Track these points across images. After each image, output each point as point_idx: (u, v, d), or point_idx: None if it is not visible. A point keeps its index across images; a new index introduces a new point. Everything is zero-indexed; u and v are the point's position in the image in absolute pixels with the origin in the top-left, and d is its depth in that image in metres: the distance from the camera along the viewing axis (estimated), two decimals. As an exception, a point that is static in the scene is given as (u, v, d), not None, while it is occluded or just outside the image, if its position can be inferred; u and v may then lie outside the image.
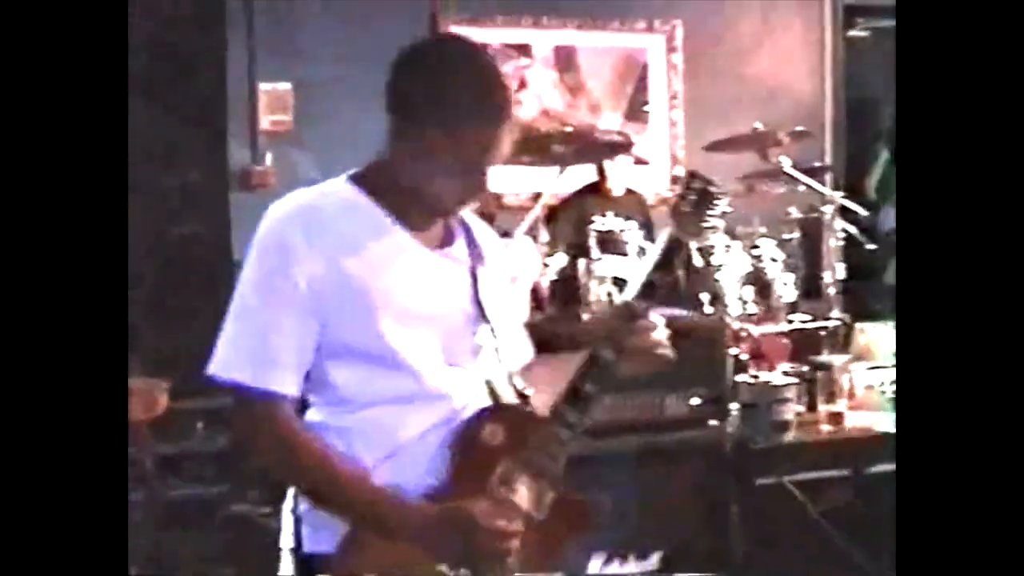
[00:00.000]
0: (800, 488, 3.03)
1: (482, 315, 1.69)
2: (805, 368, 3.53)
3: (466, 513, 1.53)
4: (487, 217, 4.17)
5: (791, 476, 3.03)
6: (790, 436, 3.16)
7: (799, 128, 4.35)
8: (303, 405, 1.65)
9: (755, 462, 3.04)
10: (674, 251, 1.62)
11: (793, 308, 4.01)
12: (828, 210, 4.14)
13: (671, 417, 2.97)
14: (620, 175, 4.39)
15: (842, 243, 4.17)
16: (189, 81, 5.00)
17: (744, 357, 3.43)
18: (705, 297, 3.63)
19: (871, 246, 4.37)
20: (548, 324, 3.31)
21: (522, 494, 1.56)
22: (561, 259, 3.53)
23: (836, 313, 4.03)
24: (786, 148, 4.29)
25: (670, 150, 5.59)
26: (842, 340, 3.99)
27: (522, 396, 1.70)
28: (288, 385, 1.58)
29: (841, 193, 4.24)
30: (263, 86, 5.01)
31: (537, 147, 4.03)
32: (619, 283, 3.36)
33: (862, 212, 4.36)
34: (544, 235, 3.53)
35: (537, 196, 3.77)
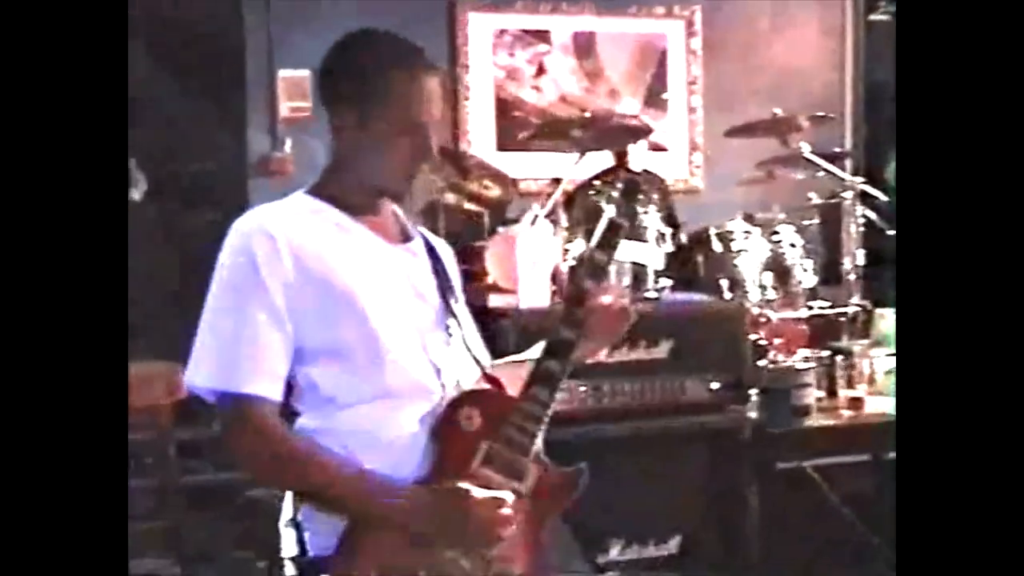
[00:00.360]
0: (820, 473, 3.02)
1: (448, 309, 1.77)
2: (825, 354, 3.52)
3: (462, 492, 1.58)
4: (504, 204, 4.20)
5: (811, 461, 3.03)
6: (810, 421, 3.15)
7: (819, 113, 4.33)
8: (291, 415, 1.66)
9: (775, 447, 3.04)
10: (614, 232, 1.74)
11: (812, 294, 3.99)
12: (848, 196, 4.12)
13: (691, 401, 2.96)
14: (639, 160, 4.37)
15: (862, 229, 4.15)
16: (208, 69, 5.01)
17: (764, 342, 3.42)
18: (724, 283, 3.62)
19: (891, 232, 4.35)
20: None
21: (505, 473, 1.63)
22: (580, 245, 3.53)
23: (856, 299, 4.02)
24: (806, 133, 4.26)
25: (689, 136, 5.57)
26: (861, 326, 3.97)
27: (492, 380, 1.77)
28: (268, 388, 1.60)
29: (861, 179, 4.21)
30: (282, 73, 5.01)
31: (556, 133, 4.02)
32: (639, 268, 3.35)
33: (882, 198, 4.33)
34: (564, 220, 3.52)
35: (556, 182, 3.76)
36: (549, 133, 4.16)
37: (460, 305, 1.81)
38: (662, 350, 2.96)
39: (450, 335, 1.76)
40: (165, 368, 3.22)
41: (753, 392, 3.10)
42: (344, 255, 1.67)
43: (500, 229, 3.65)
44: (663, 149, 5.37)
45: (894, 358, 3.66)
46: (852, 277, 4.08)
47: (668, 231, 3.65)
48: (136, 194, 4.78)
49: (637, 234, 3.46)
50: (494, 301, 3.15)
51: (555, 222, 3.52)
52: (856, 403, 3.34)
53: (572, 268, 3.27)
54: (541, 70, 5.33)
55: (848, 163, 4.67)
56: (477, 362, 1.78)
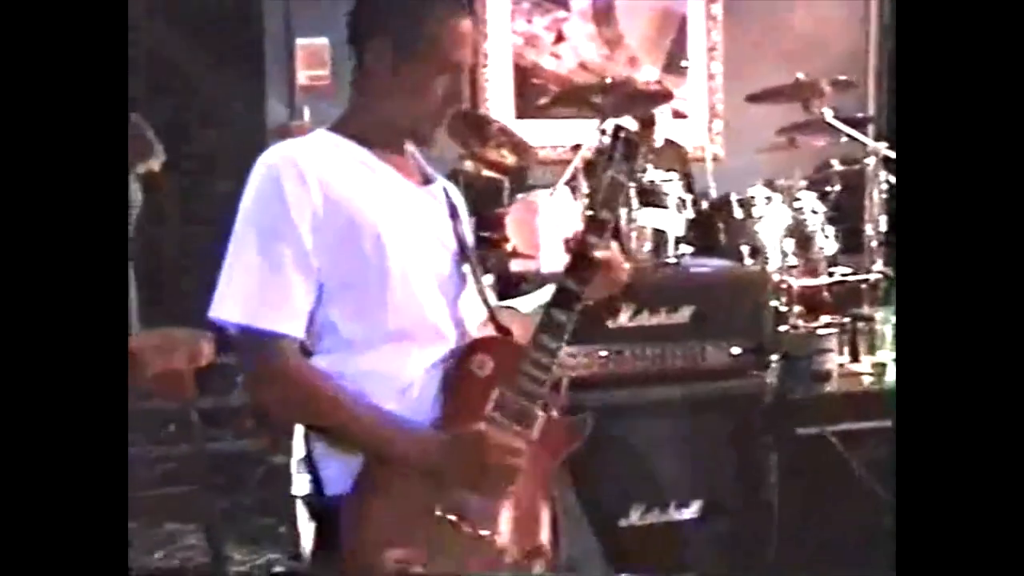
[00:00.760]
0: (841, 439, 3.01)
1: (463, 253, 1.79)
2: (847, 320, 3.50)
3: (478, 434, 1.62)
4: (523, 170, 4.18)
5: (832, 426, 3.02)
6: (831, 387, 3.14)
7: (842, 77, 4.27)
8: (307, 354, 1.68)
9: (796, 412, 3.03)
10: (615, 191, 1.77)
11: (834, 261, 3.96)
12: (871, 162, 4.07)
13: (712, 367, 2.95)
14: (659, 127, 4.35)
15: (885, 196, 4.11)
16: (226, 38, 5.01)
17: (784, 309, 3.40)
18: (745, 250, 3.60)
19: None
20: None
21: (515, 418, 1.67)
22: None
23: (878, 266, 3.99)
24: (828, 99, 4.22)
25: (709, 102, 5.53)
26: (883, 293, 3.94)
27: (502, 328, 1.79)
28: (293, 326, 1.61)
29: (884, 144, 4.16)
30: (300, 41, 5.01)
31: (576, 99, 4.00)
32: (659, 234, 3.34)
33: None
34: (584, 187, 3.51)
35: (576, 148, 3.74)
36: (569, 100, 4.14)
37: (473, 251, 1.83)
38: (683, 315, 2.94)
39: (464, 281, 1.79)
40: (187, 335, 3.24)
41: (774, 358, 3.09)
42: (369, 193, 1.67)
43: (519, 196, 3.64)
44: (683, 116, 5.34)
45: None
46: (874, 244, 4.05)
47: (688, 197, 3.63)
48: (155, 164, 4.80)
49: (658, 200, 3.45)
50: (515, 266, 3.16)
51: (575, 188, 3.51)
52: (878, 369, 3.33)
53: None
54: (560, 37, 5.30)
55: (871, 128, 4.61)
56: (488, 308, 1.80)
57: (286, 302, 1.60)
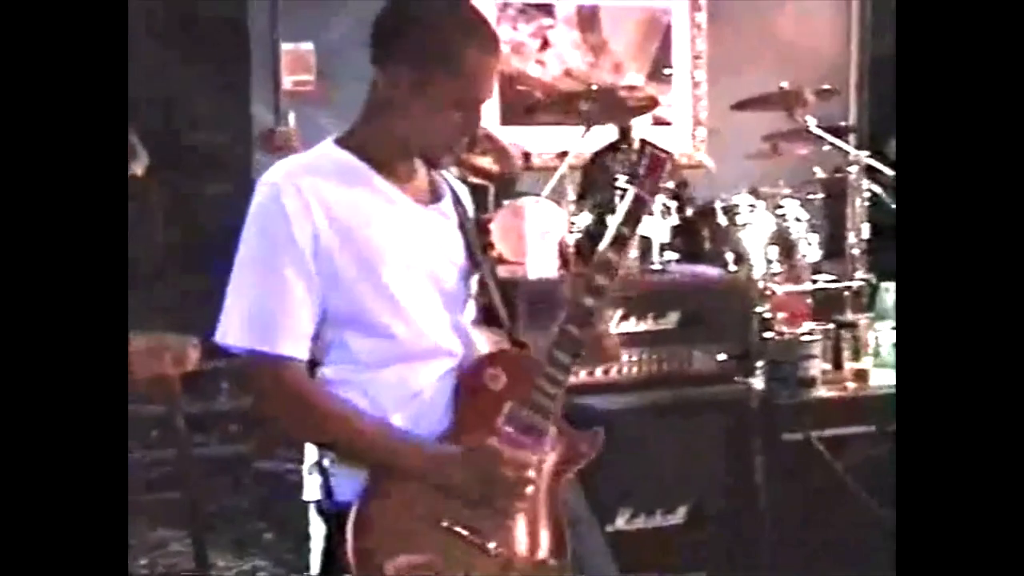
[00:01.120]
0: (826, 444, 3.04)
1: (475, 265, 1.78)
2: (831, 326, 3.53)
3: (489, 450, 1.62)
4: (512, 177, 4.20)
5: (817, 432, 3.04)
6: (816, 392, 3.17)
7: (826, 86, 4.32)
8: (313, 364, 1.68)
9: (781, 418, 3.05)
10: (639, 207, 1.74)
11: (816, 268, 4.00)
12: (853, 170, 4.11)
13: (698, 372, 2.98)
14: (642, 134, 4.37)
15: (867, 204, 4.14)
16: (211, 42, 5.00)
17: (769, 315, 3.43)
18: (729, 256, 3.63)
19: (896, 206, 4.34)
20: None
21: (526, 433, 1.66)
22: (586, 217, 3.54)
23: (861, 273, 4.02)
24: (811, 107, 4.26)
25: (693, 111, 5.56)
26: (866, 300, 3.98)
27: (518, 343, 1.79)
28: (297, 348, 1.62)
29: (867, 153, 4.20)
30: (285, 46, 5.01)
31: (562, 106, 4.02)
32: (645, 241, 3.36)
33: (888, 172, 4.33)
34: (570, 194, 3.53)
35: (563, 155, 3.77)
36: (555, 106, 4.16)
37: (486, 261, 1.82)
38: (670, 321, 2.97)
39: (472, 293, 1.79)
40: (174, 340, 3.23)
41: (759, 364, 3.12)
42: (372, 217, 1.66)
43: (505, 202, 3.66)
44: (667, 123, 5.37)
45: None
46: (856, 251, 4.09)
47: (673, 204, 3.66)
48: (138, 168, 4.78)
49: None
50: (501, 272, 3.17)
51: (561, 195, 3.54)
52: (861, 375, 3.36)
53: (576, 240, 3.30)
54: (545, 44, 5.32)
55: (853, 137, 4.66)
56: (502, 320, 1.80)
57: (290, 324, 1.60)
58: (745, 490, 2.97)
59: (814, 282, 3.90)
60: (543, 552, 1.68)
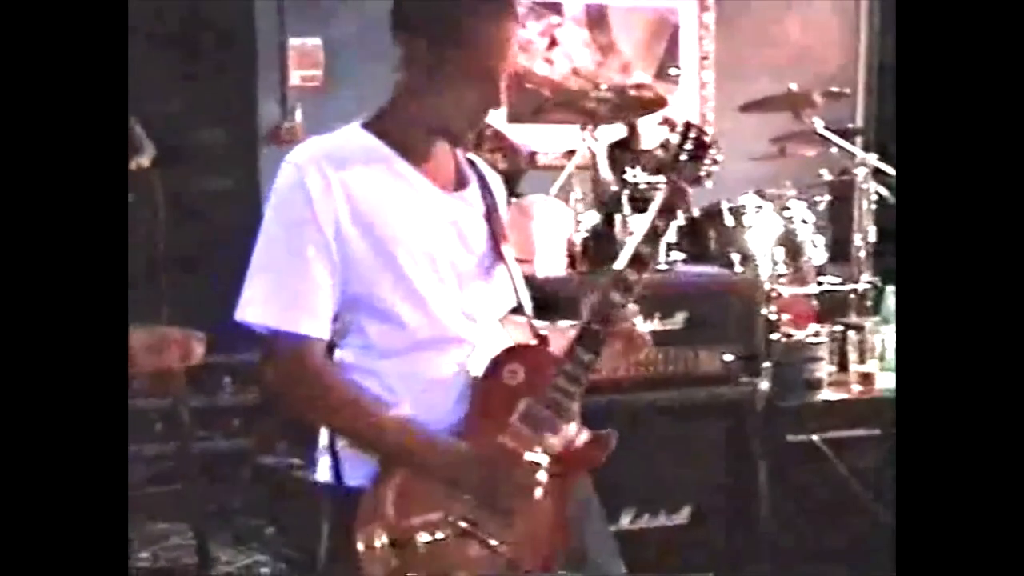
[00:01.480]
0: (830, 446, 3.04)
1: (499, 256, 1.75)
2: (837, 328, 3.53)
3: (500, 449, 1.60)
4: (518, 174, 4.19)
5: (822, 434, 3.04)
6: (821, 395, 3.17)
7: (834, 88, 4.31)
8: (330, 347, 1.67)
9: (786, 419, 3.05)
10: (676, 198, 1.71)
11: (822, 270, 3.99)
12: (860, 173, 4.11)
13: (704, 373, 2.97)
14: (651, 131, 4.37)
15: (873, 206, 4.14)
16: (219, 36, 5.00)
17: (775, 317, 3.43)
18: (735, 257, 3.63)
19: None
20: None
21: (540, 430, 1.62)
22: (593, 216, 3.53)
23: (867, 276, 4.02)
24: (819, 109, 4.25)
25: (700, 111, 5.56)
26: (872, 303, 3.98)
27: (540, 337, 1.76)
28: (317, 328, 1.61)
29: (874, 155, 4.20)
30: (293, 41, 5.01)
31: (570, 104, 4.01)
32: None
33: (894, 174, 4.32)
34: (577, 192, 3.52)
35: (570, 154, 3.76)
36: (563, 105, 4.15)
37: (508, 247, 1.77)
38: (677, 321, 2.97)
39: (493, 282, 1.76)
40: (179, 334, 3.23)
41: (765, 365, 3.12)
42: (391, 202, 1.64)
43: (513, 200, 3.65)
44: (674, 124, 5.36)
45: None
46: (862, 254, 4.08)
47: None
48: (145, 160, 4.78)
49: (649, 206, 3.47)
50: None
51: (568, 194, 3.53)
52: (867, 378, 3.36)
53: (583, 239, 3.29)
54: (553, 42, 5.31)
55: (860, 140, 4.65)
56: (525, 310, 1.78)
57: (311, 304, 1.59)
58: (749, 491, 2.97)
59: (820, 284, 3.90)
60: (551, 550, 1.66)
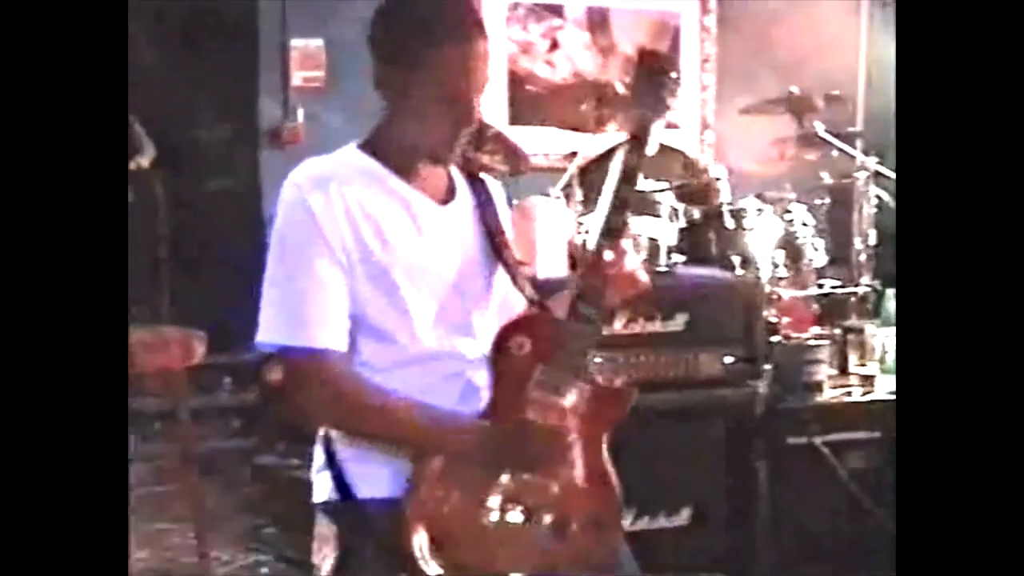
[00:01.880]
0: (830, 448, 3.04)
1: (497, 255, 1.78)
2: (837, 331, 3.54)
3: (527, 421, 1.62)
4: (518, 176, 4.19)
5: (822, 437, 3.04)
6: (821, 397, 3.17)
7: (835, 92, 4.32)
8: None
9: (786, 422, 3.05)
10: (643, 132, 1.75)
11: (822, 273, 4.00)
12: (860, 176, 4.12)
13: (705, 375, 2.97)
14: (653, 135, 4.36)
15: (874, 210, 4.15)
16: (220, 37, 5.00)
17: (775, 319, 3.43)
18: (736, 260, 3.63)
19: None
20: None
21: (558, 393, 1.65)
22: (595, 218, 3.53)
23: (867, 279, 4.03)
24: (820, 112, 4.26)
25: (701, 114, 5.56)
26: (872, 306, 3.98)
27: (539, 305, 1.79)
28: (335, 340, 1.64)
29: (875, 159, 4.20)
30: (295, 42, 5.01)
31: (571, 107, 4.01)
32: (652, 243, 3.36)
33: (894, 178, 4.33)
34: (579, 194, 3.53)
35: (571, 156, 3.76)
36: (564, 107, 4.15)
37: (507, 251, 1.80)
38: (677, 323, 2.97)
39: (492, 292, 1.79)
40: (179, 334, 3.23)
41: (766, 367, 3.12)
42: (389, 223, 1.68)
43: (514, 201, 3.65)
44: (675, 127, 5.37)
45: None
46: (863, 257, 4.09)
47: (681, 207, 3.66)
48: (145, 161, 4.78)
49: (651, 209, 3.48)
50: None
51: (570, 196, 3.54)
52: (867, 381, 3.36)
53: (585, 240, 3.29)
54: (555, 45, 5.32)
55: (860, 143, 4.66)
56: (527, 299, 1.80)
57: (324, 317, 1.62)
58: (749, 493, 2.97)
59: (820, 287, 3.91)
60: (598, 505, 1.68)
